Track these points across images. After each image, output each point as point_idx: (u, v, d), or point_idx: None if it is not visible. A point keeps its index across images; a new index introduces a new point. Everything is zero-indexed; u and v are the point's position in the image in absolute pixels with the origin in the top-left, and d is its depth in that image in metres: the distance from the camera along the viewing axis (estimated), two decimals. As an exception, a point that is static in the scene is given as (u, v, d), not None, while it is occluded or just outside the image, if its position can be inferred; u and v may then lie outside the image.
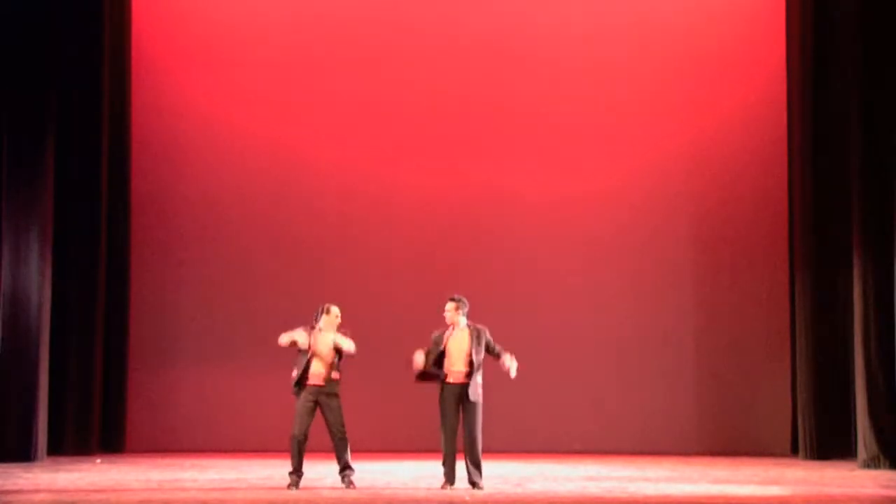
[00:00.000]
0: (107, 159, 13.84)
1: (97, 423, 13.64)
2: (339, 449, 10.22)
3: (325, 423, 10.22)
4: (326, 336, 10.22)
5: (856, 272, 12.61)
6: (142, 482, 10.76)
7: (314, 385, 10.19)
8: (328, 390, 10.18)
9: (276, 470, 11.58)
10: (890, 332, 12.28)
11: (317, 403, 10.20)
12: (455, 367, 10.10)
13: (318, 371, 10.18)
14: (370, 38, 14.70)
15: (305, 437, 10.18)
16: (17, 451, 12.27)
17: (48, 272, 12.71)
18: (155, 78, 14.54)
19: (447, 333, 10.18)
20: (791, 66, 14.15)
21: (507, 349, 10.27)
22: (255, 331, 14.13)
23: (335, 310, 10.33)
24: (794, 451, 13.80)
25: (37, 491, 10.13)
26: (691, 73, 14.63)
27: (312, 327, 10.27)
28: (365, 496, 9.86)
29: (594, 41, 14.69)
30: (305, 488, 10.20)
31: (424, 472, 10.97)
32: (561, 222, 14.51)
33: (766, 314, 14.34)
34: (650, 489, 10.46)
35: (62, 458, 12.78)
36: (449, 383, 10.10)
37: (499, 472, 11.67)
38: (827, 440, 13.16)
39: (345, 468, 10.25)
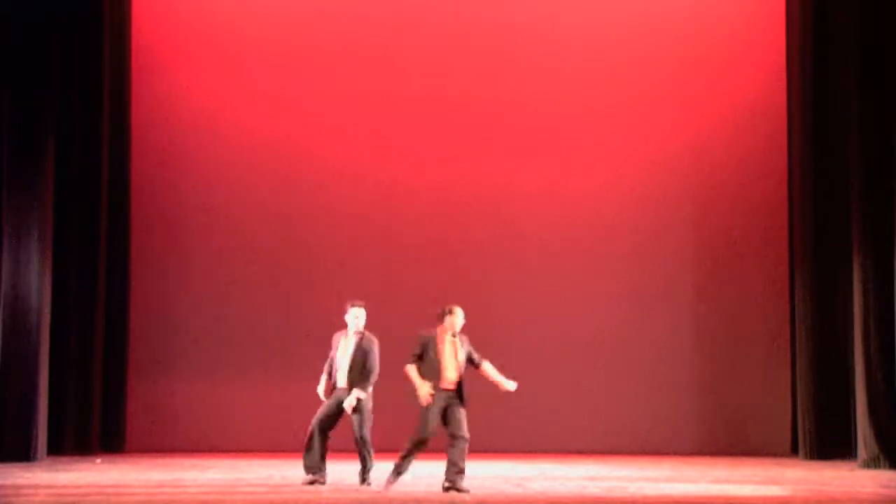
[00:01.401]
0: (107, 159, 13.83)
1: (97, 423, 13.62)
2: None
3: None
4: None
5: (856, 272, 12.61)
6: (142, 482, 10.76)
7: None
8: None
9: (276, 470, 11.59)
10: (890, 332, 12.28)
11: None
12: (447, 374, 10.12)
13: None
14: (371, 35, 14.67)
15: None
16: (17, 451, 12.24)
17: (48, 272, 12.70)
18: (155, 78, 14.53)
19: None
20: (791, 66, 14.14)
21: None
22: (257, 330, 14.15)
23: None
24: (794, 451, 13.79)
25: (37, 491, 10.12)
26: (691, 73, 14.62)
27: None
28: (365, 496, 9.87)
29: (594, 40, 14.67)
30: (307, 489, 10.21)
31: (424, 472, 10.95)
32: (561, 221, 14.50)
33: (766, 314, 14.33)
34: (650, 489, 10.46)
35: (62, 458, 12.76)
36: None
37: (499, 472, 11.67)
38: (827, 440, 13.15)
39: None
